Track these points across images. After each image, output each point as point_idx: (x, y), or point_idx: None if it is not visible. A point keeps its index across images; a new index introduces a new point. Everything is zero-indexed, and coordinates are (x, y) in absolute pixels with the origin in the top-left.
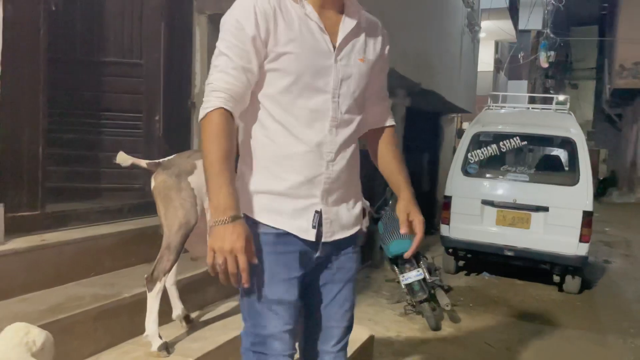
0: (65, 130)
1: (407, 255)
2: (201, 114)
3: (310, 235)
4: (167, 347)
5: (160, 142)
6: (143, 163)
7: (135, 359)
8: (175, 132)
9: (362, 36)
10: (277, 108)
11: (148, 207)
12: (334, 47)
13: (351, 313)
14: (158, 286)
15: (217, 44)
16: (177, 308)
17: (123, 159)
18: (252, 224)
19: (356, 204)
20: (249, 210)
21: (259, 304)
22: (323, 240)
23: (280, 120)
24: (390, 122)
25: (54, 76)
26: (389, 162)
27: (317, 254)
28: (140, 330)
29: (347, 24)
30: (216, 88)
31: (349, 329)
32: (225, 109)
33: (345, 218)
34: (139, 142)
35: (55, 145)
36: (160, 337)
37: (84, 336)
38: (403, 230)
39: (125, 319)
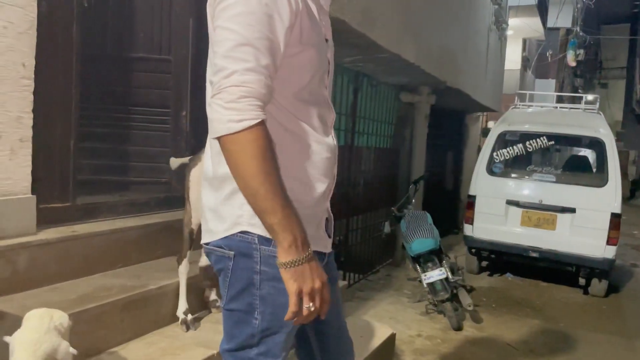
0: (96, 125)
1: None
2: (230, 127)
3: (328, 247)
4: (187, 323)
5: (188, 137)
6: (186, 160)
7: (160, 350)
8: (202, 127)
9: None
10: (291, 115)
11: (173, 201)
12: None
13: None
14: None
15: (237, 24)
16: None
17: (174, 162)
18: (274, 247)
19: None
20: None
21: (282, 334)
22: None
23: (295, 127)
24: None
25: (86, 71)
26: None
27: (323, 264)
28: (166, 321)
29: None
30: (253, 94)
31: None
32: (264, 121)
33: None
34: (166, 136)
35: (86, 139)
36: (185, 313)
37: (111, 326)
38: None
39: (151, 311)
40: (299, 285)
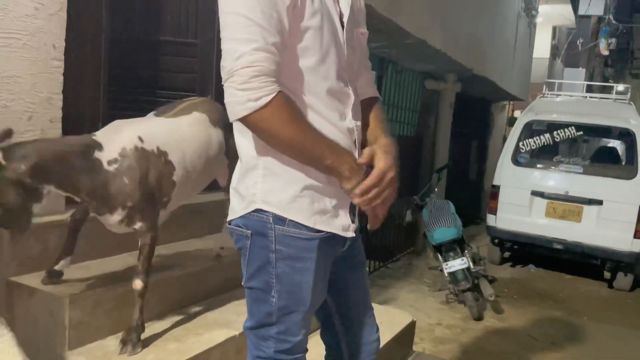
0: (123, 108)
1: (371, 227)
2: (249, 107)
3: (351, 232)
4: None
5: None
6: None
7: (184, 329)
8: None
9: None
10: (304, 90)
11: None
12: (342, 22)
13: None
14: None
15: (240, 6)
16: None
17: None
18: (290, 227)
19: None
20: (287, 208)
21: (299, 313)
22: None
23: (311, 104)
24: (376, 92)
25: (114, 54)
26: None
27: (346, 246)
28: (189, 302)
29: None
30: (265, 72)
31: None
32: (282, 91)
33: None
34: None
35: None
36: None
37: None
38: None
39: (175, 291)
40: (370, 199)
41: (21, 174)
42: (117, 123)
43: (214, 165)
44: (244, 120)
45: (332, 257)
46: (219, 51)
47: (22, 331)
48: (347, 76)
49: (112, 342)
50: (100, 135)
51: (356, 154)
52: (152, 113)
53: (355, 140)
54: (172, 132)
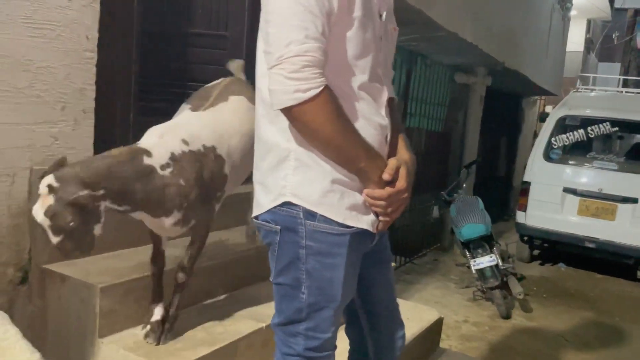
0: (154, 100)
1: (381, 228)
2: (297, 97)
3: (373, 227)
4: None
5: None
6: None
7: (212, 320)
8: None
9: None
10: (343, 85)
11: None
12: (380, 16)
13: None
14: None
15: None
16: None
17: None
18: (321, 222)
19: None
20: (318, 204)
21: (329, 309)
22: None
23: (348, 98)
24: (393, 93)
25: (145, 46)
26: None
27: (374, 242)
28: (216, 293)
29: None
30: (315, 63)
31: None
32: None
33: None
34: None
35: (145, 114)
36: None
37: (166, 294)
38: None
39: (203, 281)
40: (376, 205)
41: (77, 194)
42: (156, 129)
43: None
44: (287, 110)
45: (362, 253)
46: (249, 43)
47: (53, 318)
48: (381, 72)
49: (142, 331)
50: (144, 143)
51: (385, 151)
52: (186, 106)
53: (386, 136)
54: (215, 125)
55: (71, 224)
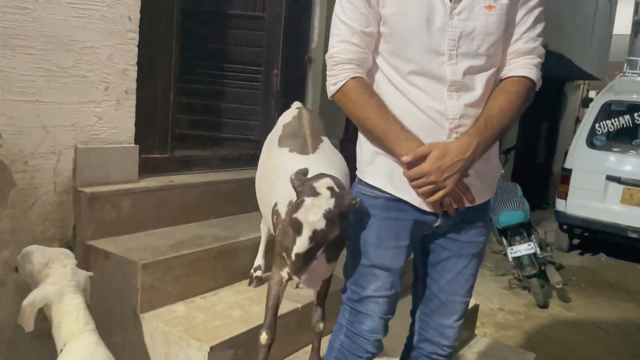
0: (192, 81)
1: (431, 199)
2: (331, 90)
3: (427, 205)
4: (251, 278)
5: (277, 96)
6: None
7: (248, 299)
8: (292, 86)
9: None
10: (392, 71)
11: None
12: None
13: (473, 288)
14: None
15: (335, 9)
16: None
17: None
18: (364, 186)
19: (486, 172)
20: (363, 171)
21: (363, 266)
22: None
23: (396, 84)
24: (524, 72)
25: (185, 27)
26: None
27: (437, 224)
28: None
29: None
30: (340, 61)
31: (468, 303)
32: (356, 77)
33: (475, 188)
34: (257, 95)
35: (183, 94)
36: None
37: (204, 272)
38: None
39: (241, 260)
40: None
41: (346, 208)
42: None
43: None
44: (333, 99)
45: (410, 226)
46: (286, 25)
47: (96, 292)
48: (448, 54)
49: (180, 307)
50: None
51: (445, 137)
52: (283, 150)
53: (449, 120)
54: (332, 166)
55: (333, 234)
